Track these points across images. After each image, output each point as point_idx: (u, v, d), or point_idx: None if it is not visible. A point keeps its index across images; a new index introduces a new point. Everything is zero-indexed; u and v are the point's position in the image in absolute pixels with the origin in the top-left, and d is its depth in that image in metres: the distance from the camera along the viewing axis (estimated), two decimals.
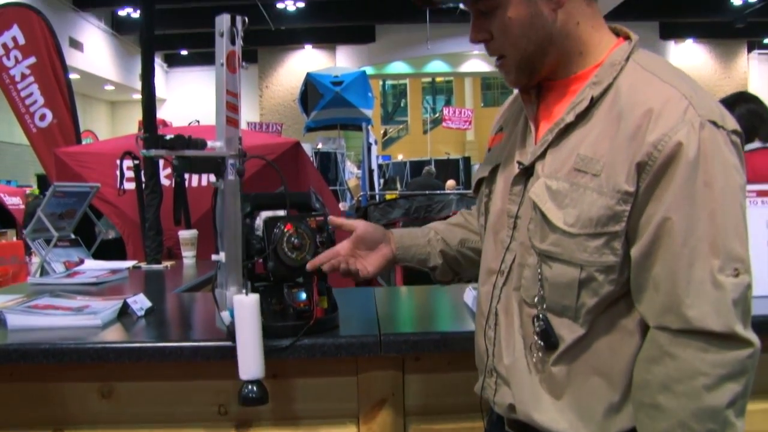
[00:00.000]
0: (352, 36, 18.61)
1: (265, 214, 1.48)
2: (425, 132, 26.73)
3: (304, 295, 1.53)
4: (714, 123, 1.05)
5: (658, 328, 1.06)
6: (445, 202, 6.01)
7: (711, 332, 1.01)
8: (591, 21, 1.19)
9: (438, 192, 8.07)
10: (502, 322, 1.24)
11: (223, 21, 1.31)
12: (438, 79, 32.49)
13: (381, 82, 31.29)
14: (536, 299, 1.16)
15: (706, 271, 1.01)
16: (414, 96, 33.44)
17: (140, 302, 1.91)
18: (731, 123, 1.08)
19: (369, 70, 16.49)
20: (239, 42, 1.34)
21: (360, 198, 9.76)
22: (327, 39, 18.82)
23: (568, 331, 1.13)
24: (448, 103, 31.94)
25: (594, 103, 1.14)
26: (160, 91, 19.78)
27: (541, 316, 1.15)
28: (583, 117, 1.14)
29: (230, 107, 1.32)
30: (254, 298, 1.40)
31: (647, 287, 1.07)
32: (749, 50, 20.66)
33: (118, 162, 3.52)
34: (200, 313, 2.11)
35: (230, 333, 1.44)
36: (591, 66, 1.19)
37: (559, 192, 1.12)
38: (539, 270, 1.15)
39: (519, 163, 1.22)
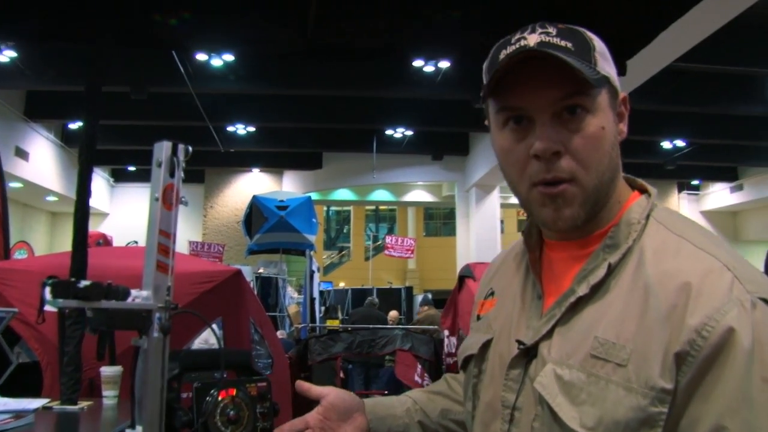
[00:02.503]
0: (299, 162, 18.73)
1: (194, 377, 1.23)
2: (367, 259, 26.72)
3: None
4: (765, 301, 0.84)
5: None
6: (390, 338, 5.76)
7: None
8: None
9: (382, 326, 7.82)
10: None
11: (162, 149, 1.11)
12: (381, 207, 32.89)
13: (325, 208, 31.50)
14: None
15: None
16: (357, 223, 33.69)
17: None
18: None
19: (314, 196, 16.51)
20: (179, 174, 1.13)
21: (299, 328, 9.43)
22: (275, 164, 18.90)
23: None
24: (390, 231, 32.22)
25: (611, 271, 0.93)
26: (103, 206, 19.52)
27: None
28: (598, 288, 0.93)
29: (162, 250, 1.09)
30: None
31: None
32: (679, 190, 21.59)
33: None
34: None
35: None
36: (606, 225, 0.99)
37: (573, 384, 0.89)
38: None
39: (519, 342, 0.99)
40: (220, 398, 1.20)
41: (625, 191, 1.02)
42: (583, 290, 0.94)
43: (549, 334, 0.96)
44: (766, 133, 13.57)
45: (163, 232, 1.10)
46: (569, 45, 0.94)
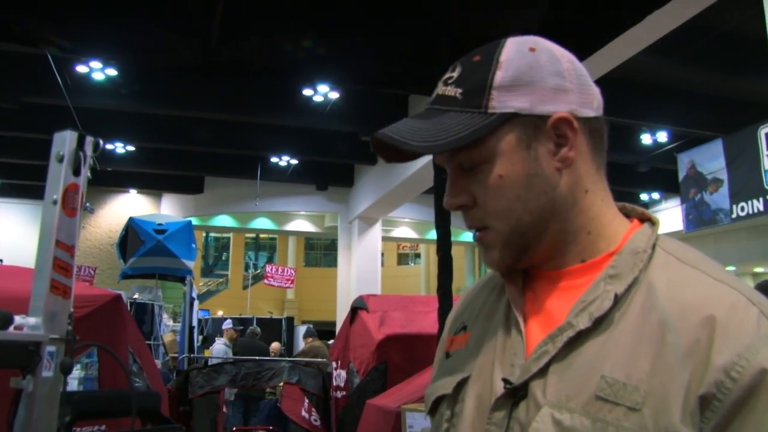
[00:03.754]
0: (179, 185, 18.10)
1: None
2: (245, 287, 26.21)
3: None
4: None
5: None
6: (276, 370, 5.51)
7: None
8: (601, 192, 0.92)
9: (268, 358, 7.53)
10: None
11: (65, 140, 0.88)
12: (262, 235, 32.41)
13: (204, 234, 30.69)
14: None
15: None
16: (236, 250, 33.11)
17: None
18: None
19: (194, 221, 15.95)
20: (86, 173, 0.91)
21: (175, 357, 8.96)
22: (153, 185, 18.17)
23: None
24: (270, 260, 31.78)
25: (616, 302, 0.83)
26: None
27: None
28: (601, 321, 0.83)
29: (59, 267, 0.86)
30: None
31: None
32: None
33: None
34: None
35: None
36: (603, 254, 0.89)
37: (576, 431, 0.78)
38: None
39: (505, 381, 0.86)
40: None
41: (618, 219, 0.94)
42: (584, 323, 0.83)
43: (542, 373, 0.84)
44: (633, 179, 14.59)
45: (61, 245, 0.87)
46: (458, 93, 0.90)
